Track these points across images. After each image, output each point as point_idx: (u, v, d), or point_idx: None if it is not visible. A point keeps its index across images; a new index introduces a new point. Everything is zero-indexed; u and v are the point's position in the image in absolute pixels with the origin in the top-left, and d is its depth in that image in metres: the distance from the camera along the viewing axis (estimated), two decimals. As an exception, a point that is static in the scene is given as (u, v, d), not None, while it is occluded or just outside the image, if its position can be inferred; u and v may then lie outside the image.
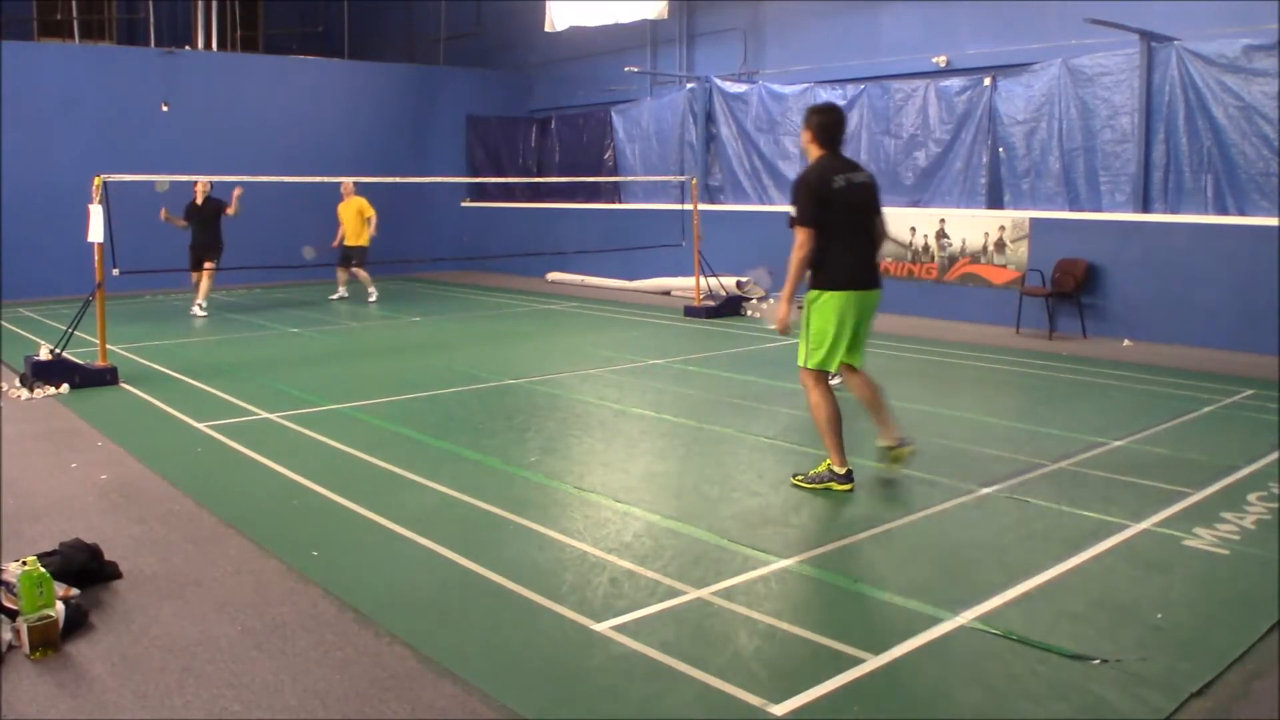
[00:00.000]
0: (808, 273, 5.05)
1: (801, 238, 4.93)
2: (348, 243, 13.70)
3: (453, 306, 13.83)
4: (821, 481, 5.19)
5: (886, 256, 12.39)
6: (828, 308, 5.02)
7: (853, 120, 13.42)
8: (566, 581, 3.99)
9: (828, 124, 5.06)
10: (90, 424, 6.71)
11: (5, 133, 14.05)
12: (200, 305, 12.65)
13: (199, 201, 12.36)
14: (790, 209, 5.05)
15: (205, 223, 12.33)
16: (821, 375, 5.15)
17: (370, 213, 13.65)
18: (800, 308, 5.20)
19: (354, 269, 13.82)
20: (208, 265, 12.41)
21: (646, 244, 14.05)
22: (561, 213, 17.42)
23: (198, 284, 12.72)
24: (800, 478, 5.28)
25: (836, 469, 5.17)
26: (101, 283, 8.14)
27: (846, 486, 5.14)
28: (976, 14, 12.67)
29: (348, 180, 13.52)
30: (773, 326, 5.24)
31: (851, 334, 5.07)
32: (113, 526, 4.64)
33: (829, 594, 3.87)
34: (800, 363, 5.19)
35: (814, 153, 5.11)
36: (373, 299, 13.92)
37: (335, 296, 14.21)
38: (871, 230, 5.18)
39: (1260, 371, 8.56)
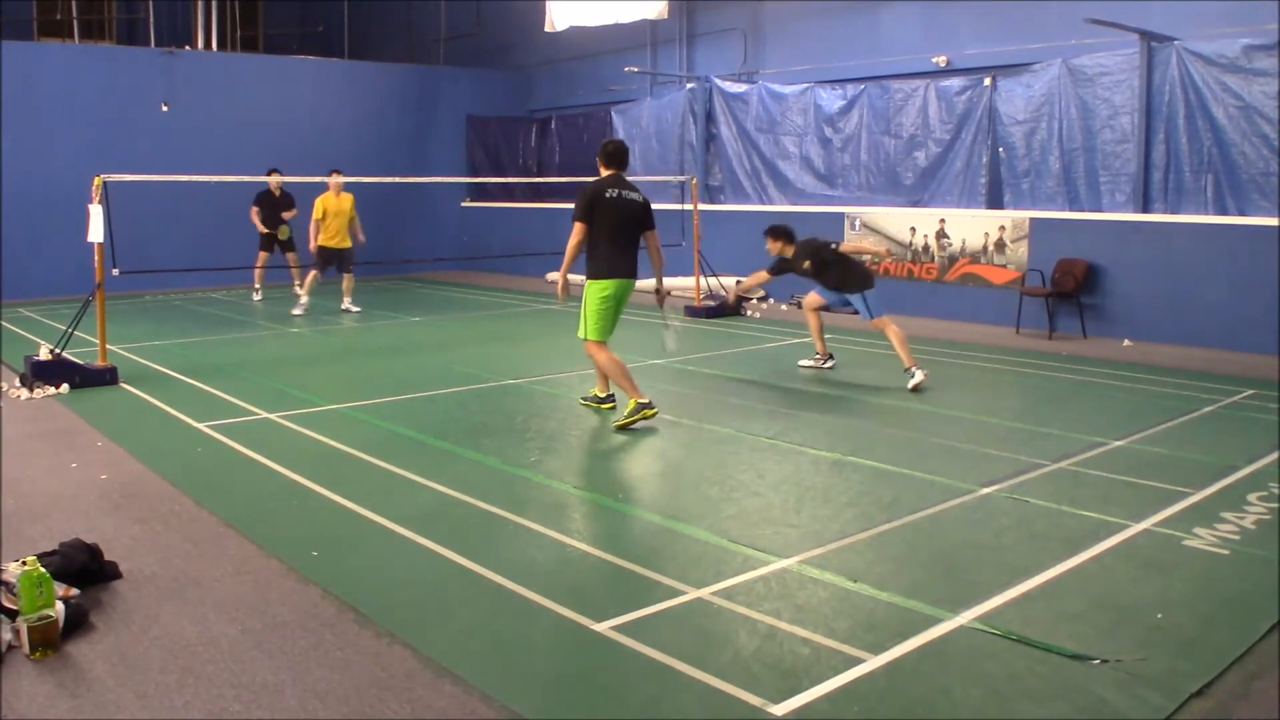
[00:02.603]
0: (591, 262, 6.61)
1: (574, 229, 6.51)
2: (333, 244, 12.15)
3: (453, 306, 13.82)
4: (634, 414, 6.46)
5: (890, 257, 12.45)
6: (600, 293, 6.55)
7: (853, 120, 13.46)
8: (566, 581, 3.99)
9: (612, 152, 6.70)
10: (90, 424, 6.70)
11: (5, 133, 14.04)
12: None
13: (275, 194, 13.60)
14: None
15: (277, 211, 13.61)
16: (602, 344, 6.64)
17: (354, 217, 12.36)
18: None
19: (340, 272, 12.61)
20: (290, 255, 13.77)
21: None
22: (562, 213, 17.21)
23: (274, 269, 14.11)
24: (618, 420, 6.54)
25: (641, 400, 6.49)
26: (101, 283, 8.14)
27: (652, 411, 6.50)
28: (976, 14, 12.67)
29: (338, 177, 12.12)
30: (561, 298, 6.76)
31: (614, 312, 6.64)
32: (113, 526, 4.64)
33: (829, 594, 3.87)
34: (581, 335, 6.66)
35: (602, 172, 6.68)
36: (355, 310, 12.63)
37: (345, 306, 12.70)
38: (636, 238, 6.67)
39: (1260, 371, 8.56)
